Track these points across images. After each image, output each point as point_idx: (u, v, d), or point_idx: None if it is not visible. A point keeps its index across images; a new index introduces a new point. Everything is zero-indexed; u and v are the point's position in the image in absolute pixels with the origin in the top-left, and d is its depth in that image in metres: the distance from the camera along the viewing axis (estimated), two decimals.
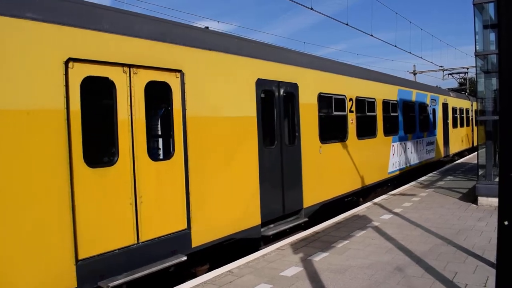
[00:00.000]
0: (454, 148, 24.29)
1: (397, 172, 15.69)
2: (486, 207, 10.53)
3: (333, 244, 7.89)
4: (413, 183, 15.44)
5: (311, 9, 12.86)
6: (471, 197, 11.71)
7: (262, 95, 8.57)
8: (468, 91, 38.41)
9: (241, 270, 6.68)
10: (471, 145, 29.19)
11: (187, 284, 6.16)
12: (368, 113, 13.26)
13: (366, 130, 13.14)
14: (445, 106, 22.59)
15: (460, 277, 5.94)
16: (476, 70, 11.95)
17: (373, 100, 13.60)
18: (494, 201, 10.51)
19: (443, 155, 22.11)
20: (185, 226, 6.70)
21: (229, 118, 7.68)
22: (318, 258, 7.09)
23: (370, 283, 5.89)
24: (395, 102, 15.52)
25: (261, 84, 8.50)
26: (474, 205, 10.90)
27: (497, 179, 10.84)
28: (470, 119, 29.56)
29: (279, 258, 7.20)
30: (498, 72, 2.20)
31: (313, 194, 10.08)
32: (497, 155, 11.79)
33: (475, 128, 29.52)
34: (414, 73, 42.45)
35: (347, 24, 15.53)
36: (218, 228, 7.33)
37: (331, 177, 11.01)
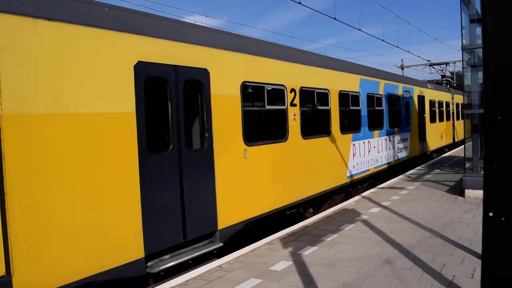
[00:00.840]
0: (432, 145, 22.28)
1: (360, 176, 13.48)
2: (472, 200, 10.66)
3: (322, 238, 7.93)
4: (401, 176, 15.57)
5: (299, 3, 12.84)
6: (458, 189, 11.86)
7: (148, 85, 6.40)
8: (454, 83, 38.25)
9: (231, 265, 6.69)
10: (452, 141, 27.43)
11: (176, 280, 6.14)
12: (318, 107, 11.09)
13: (315, 127, 11.02)
14: (421, 98, 20.38)
15: (448, 268, 6.01)
16: (462, 64, 12.08)
17: (325, 91, 11.37)
18: (481, 193, 10.63)
19: (419, 153, 19.93)
20: (2, 271, 4.67)
21: (86, 115, 5.51)
22: (308, 252, 7.12)
23: (359, 276, 5.93)
24: (356, 93, 13.31)
25: (144, 69, 6.28)
26: (461, 197, 11.04)
27: (483, 172, 11.01)
28: (451, 113, 27.48)
29: (268, 253, 7.22)
30: (483, 65, 2.22)
31: (233, 211, 7.93)
32: (483, 148, 11.94)
33: (456, 122, 28.21)
34: (402, 67, 42.75)
35: (335, 19, 15.57)
36: (67, 270, 5.25)
37: (263, 186, 8.79)
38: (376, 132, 14.89)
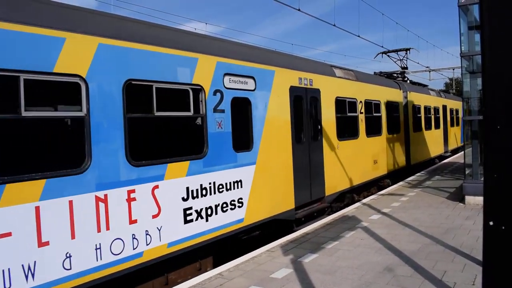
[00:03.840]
0: (342, 182, 11.98)
1: None
2: (473, 206, 10.65)
3: (322, 245, 7.91)
4: (401, 183, 15.55)
5: (299, 10, 12.93)
6: (458, 196, 11.85)
7: None
8: (453, 90, 35.72)
9: (231, 272, 6.66)
10: (405, 164, 17.59)
11: None
12: None
13: None
14: (305, 94, 10.42)
15: (449, 276, 5.99)
16: (461, 70, 12.12)
17: None
18: (481, 200, 10.61)
19: (294, 206, 9.69)
20: None
21: None
22: (308, 260, 7.10)
23: (360, 283, 5.91)
24: None
25: None
26: (461, 204, 11.02)
27: (483, 178, 11.01)
28: (402, 120, 17.33)
29: (269, 260, 7.20)
30: (482, 74, 2.23)
31: None
32: (482, 154, 11.95)
33: (414, 135, 18.71)
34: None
35: (334, 25, 15.67)
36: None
37: None
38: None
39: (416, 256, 6.96)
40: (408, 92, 18.22)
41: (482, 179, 9.77)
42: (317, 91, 11.03)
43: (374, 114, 14.59)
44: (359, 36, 18.76)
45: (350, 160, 12.49)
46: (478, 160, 11.32)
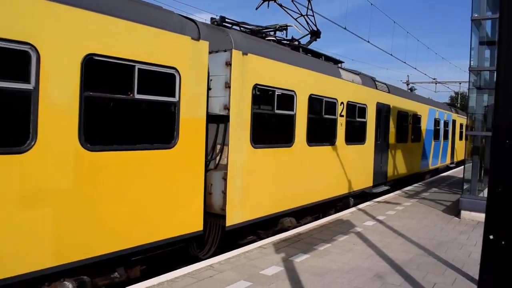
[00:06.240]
0: None
1: None
2: (468, 221, 10.64)
3: (315, 247, 7.90)
4: (398, 192, 15.54)
5: (311, 10, 12.84)
6: (454, 210, 11.84)
7: None
8: (458, 104, 34.92)
9: (222, 265, 6.66)
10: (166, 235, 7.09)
11: (165, 276, 6.11)
12: None
13: None
14: None
15: None
16: (468, 85, 12.08)
17: None
18: (477, 215, 10.64)
19: None
20: None
21: None
22: (299, 259, 7.09)
23: None
24: None
25: None
26: (456, 218, 11.01)
27: (481, 194, 10.96)
28: (195, 117, 6.62)
29: (260, 257, 7.19)
30: (495, 87, 2.21)
31: None
32: (482, 170, 11.94)
33: (251, 152, 8.01)
34: (408, 83, 42.90)
35: (345, 28, 15.65)
36: None
37: None
38: None
39: (407, 265, 6.95)
40: (243, 54, 7.57)
41: (480, 195, 9.71)
42: None
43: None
44: (368, 41, 18.74)
45: None
46: (477, 175, 11.30)
